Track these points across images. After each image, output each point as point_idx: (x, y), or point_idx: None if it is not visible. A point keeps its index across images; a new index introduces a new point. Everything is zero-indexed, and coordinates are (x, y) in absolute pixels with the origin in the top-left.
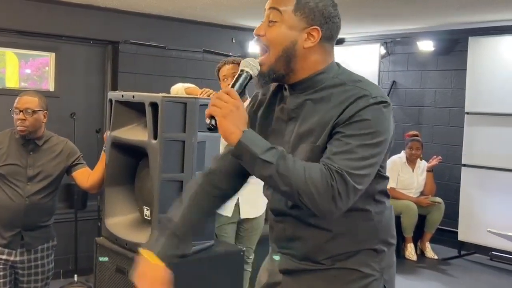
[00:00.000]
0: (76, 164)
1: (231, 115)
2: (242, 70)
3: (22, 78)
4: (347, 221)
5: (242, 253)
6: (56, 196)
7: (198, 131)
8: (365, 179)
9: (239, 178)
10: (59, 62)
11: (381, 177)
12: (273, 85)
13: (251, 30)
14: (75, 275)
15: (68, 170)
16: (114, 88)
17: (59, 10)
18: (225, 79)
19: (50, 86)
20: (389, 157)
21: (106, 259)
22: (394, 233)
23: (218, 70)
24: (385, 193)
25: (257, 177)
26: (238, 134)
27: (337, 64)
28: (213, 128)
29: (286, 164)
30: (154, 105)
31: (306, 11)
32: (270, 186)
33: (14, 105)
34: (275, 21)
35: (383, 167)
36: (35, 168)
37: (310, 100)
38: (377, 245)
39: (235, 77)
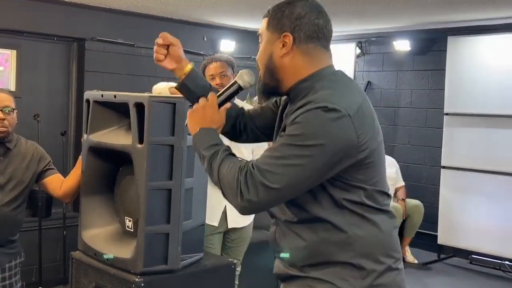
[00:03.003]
0: (47, 169)
1: (194, 114)
2: (235, 81)
3: None
4: (316, 231)
5: (233, 266)
6: (24, 207)
7: (188, 134)
8: (281, 178)
9: (252, 129)
10: (21, 60)
11: (349, 185)
12: None
13: (222, 28)
14: None
15: (38, 176)
16: (80, 88)
17: (21, 4)
18: (213, 78)
19: (11, 86)
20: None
21: (111, 256)
22: (391, 251)
23: (204, 68)
24: (362, 204)
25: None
26: (194, 131)
27: (334, 70)
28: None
29: (216, 160)
30: (139, 106)
31: (275, 22)
32: None
33: None
34: (260, 43)
35: (351, 175)
36: (5, 174)
37: (289, 110)
38: (354, 260)
39: (228, 85)
